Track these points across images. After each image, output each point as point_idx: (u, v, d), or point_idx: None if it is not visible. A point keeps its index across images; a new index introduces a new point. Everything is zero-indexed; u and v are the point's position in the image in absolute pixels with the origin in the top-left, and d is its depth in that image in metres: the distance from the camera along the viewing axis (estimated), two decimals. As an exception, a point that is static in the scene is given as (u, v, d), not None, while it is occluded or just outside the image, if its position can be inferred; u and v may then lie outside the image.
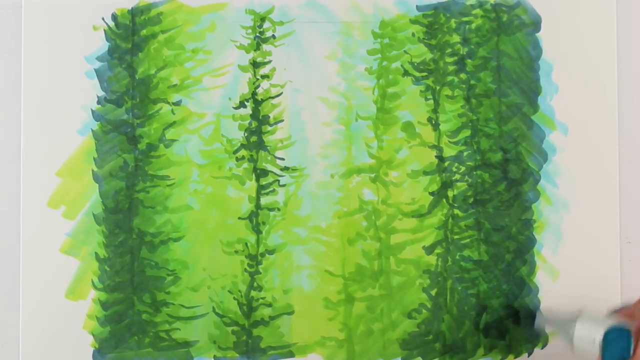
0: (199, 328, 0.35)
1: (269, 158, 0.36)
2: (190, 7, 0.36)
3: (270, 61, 0.36)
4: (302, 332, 0.35)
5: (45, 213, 0.35)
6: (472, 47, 0.36)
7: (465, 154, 0.36)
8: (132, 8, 0.36)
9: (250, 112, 0.36)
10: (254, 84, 0.36)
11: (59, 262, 0.35)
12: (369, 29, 0.36)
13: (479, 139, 0.36)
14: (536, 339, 0.34)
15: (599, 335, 0.23)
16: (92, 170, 0.35)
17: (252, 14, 0.36)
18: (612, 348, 0.22)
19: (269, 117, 0.36)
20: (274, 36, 0.36)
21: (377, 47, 0.36)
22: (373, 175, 0.36)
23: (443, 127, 0.36)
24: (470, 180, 0.36)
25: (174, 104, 0.36)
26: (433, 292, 0.35)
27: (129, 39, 0.36)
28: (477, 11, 0.36)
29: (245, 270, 0.35)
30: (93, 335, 0.35)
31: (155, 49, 0.36)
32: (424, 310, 0.35)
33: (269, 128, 0.36)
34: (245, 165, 0.36)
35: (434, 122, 0.36)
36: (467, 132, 0.36)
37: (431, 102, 0.36)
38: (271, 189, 0.36)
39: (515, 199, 0.35)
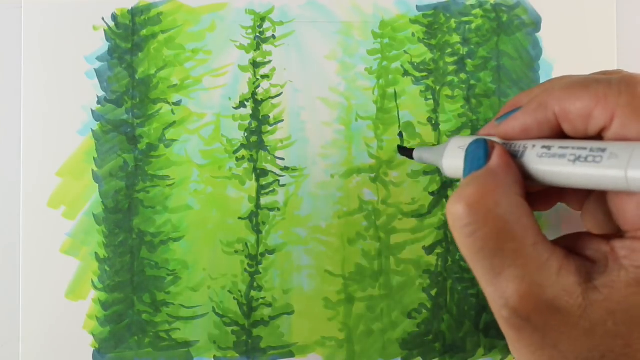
0: (199, 328, 0.35)
1: (269, 158, 0.36)
2: (190, 7, 0.36)
3: (270, 61, 0.36)
4: (302, 332, 0.35)
5: (45, 213, 0.35)
6: (472, 47, 0.36)
7: (465, 154, 0.36)
8: (132, 8, 0.36)
9: (250, 112, 0.36)
10: (254, 84, 0.36)
11: (59, 262, 0.35)
12: (369, 29, 0.36)
13: (479, 139, 0.36)
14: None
15: (459, 153, 0.23)
16: (92, 170, 0.35)
17: (252, 14, 0.36)
18: (470, 160, 0.21)
19: (269, 117, 0.36)
20: (274, 36, 0.36)
21: (377, 47, 0.36)
22: (373, 175, 0.36)
23: (443, 127, 0.36)
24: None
25: (174, 104, 0.36)
26: (433, 292, 0.35)
27: (129, 39, 0.36)
28: (477, 11, 0.36)
29: (245, 270, 0.35)
30: (93, 335, 0.35)
31: (155, 49, 0.36)
32: (424, 310, 0.35)
33: (269, 128, 0.36)
34: (245, 165, 0.36)
35: (434, 122, 0.36)
36: (467, 132, 0.36)
37: (431, 102, 0.36)
38: (271, 189, 0.36)
39: (515, 199, 0.35)
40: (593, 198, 0.23)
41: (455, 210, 0.20)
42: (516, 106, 0.22)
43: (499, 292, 0.19)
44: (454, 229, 0.20)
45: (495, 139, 0.22)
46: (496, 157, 0.21)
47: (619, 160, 0.18)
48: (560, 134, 0.21)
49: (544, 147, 0.20)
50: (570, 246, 0.21)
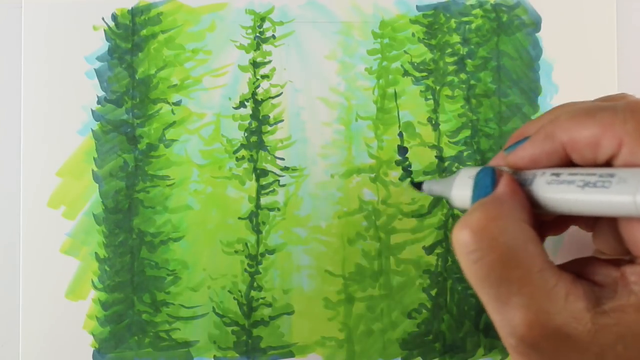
0: (199, 328, 0.35)
1: (269, 158, 0.36)
2: (190, 7, 0.36)
3: (270, 61, 0.36)
4: (302, 332, 0.35)
5: (45, 213, 0.35)
6: (472, 47, 0.36)
7: (465, 154, 0.36)
8: (132, 8, 0.36)
9: (250, 112, 0.36)
10: (254, 84, 0.36)
11: (59, 262, 0.35)
12: (369, 29, 0.36)
13: (479, 139, 0.36)
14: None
15: (468, 183, 0.23)
16: (92, 170, 0.35)
17: (252, 14, 0.36)
18: (477, 188, 0.21)
19: (269, 117, 0.36)
20: (274, 36, 0.36)
21: (377, 47, 0.36)
22: (373, 175, 0.36)
23: (443, 127, 0.36)
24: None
25: (174, 104, 0.36)
26: (433, 292, 0.35)
27: (129, 39, 0.36)
28: (477, 11, 0.36)
29: (245, 270, 0.35)
30: (93, 335, 0.35)
31: (155, 49, 0.36)
32: (424, 310, 0.35)
33: (269, 128, 0.36)
34: (245, 165, 0.36)
35: (434, 122, 0.36)
36: (467, 132, 0.36)
37: (431, 102, 0.36)
38: (271, 189, 0.36)
39: (515, 199, 0.35)
40: (604, 221, 0.23)
41: (461, 236, 0.20)
42: (523, 136, 0.22)
43: (506, 321, 0.19)
44: (460, 255, 0.20)
45: (505, 169, 0.22)
46: (503, 185, 0.21)
47: (627, 185, 0.18)
48: (569, 163, 0.21)
49: (553, 174, 0.20)
50: (578, 271, 0.20)
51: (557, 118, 0.21)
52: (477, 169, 0.23)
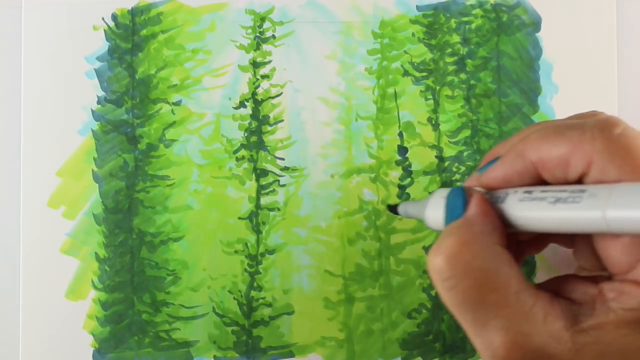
0: (199, 328, 0.35)
1: (269, 158, 0.36)
2: (190, 7, 0.36)
3: (270, 61, 0.36)
4: (302, 332, 0.35)
5: (45, 213, 0.35)
6: (472, 47, 0.36)
7: (465, 154, 0.36)
8: (132, 8, 0.36)
9: (250, 112, 0.36)
10: (254, 84, 0.36)
11: (59, 262, 0.35)
12: (369, 29, 0.36)
13: (479, 139, 0.36)
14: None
15: (441, 204, 0.23)
16: (92, 170, 0.35)
17: (252, 14, 0.36)
18: (449, 209, 0.21)
19: (269, 117, 0.36)
20: (274, 36, 0.36)
21: (377, 47, 0.36)
22: (373, 175, 0.36)
23: (443, 127, 0.36)
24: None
25: (174, 104, 0.36)
26: (433, 292, 0.35)
27: (129, 39, 0.36)
28: (477, 11, 0.36)
29: (245, 270, 0.35)
30: (93, 335, 0.35)
31: (155, 49, 0.36)
32: (424, 310, 0.35)
33: (269, 128, 0.36)
34: (245, 165, 0.36)
35: (434, 122, 0.36)
36: (467, 132, 0.36)
37: (431, 102, 0.36)
38: (271, 189, 0.36)
39: (515, 199, 0.35)
40: (582, 238, 0.23)
41: (435, 263, 0.20)
42: (495, 156, 0.22)
43: (486, 344, 0.19)
44: (435, 282, 0.20)
45: (477, 189, 0.22)
46: (473, 206, 0.21)
47: (598, 200, 0.18)
48: (541, 182, 0.21)
49: (525, 192, 0.20)
50: (556, 289, 0.20)
51: (527, 137, 0.21)
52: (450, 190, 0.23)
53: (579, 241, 0.23)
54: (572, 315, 0.19)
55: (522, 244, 0.24)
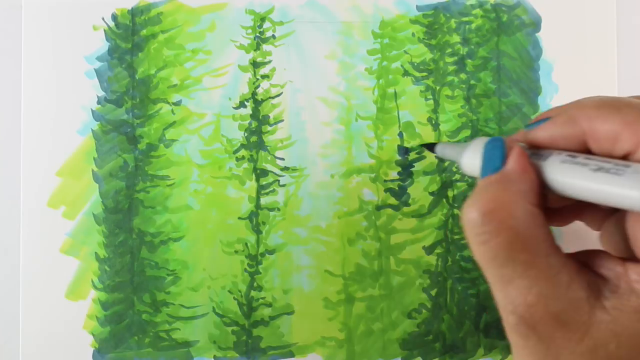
0: (199, 328, 0.35)
1: (269, 158, 0.36)
2: (190, 7, 0.36)
3: (270, 61, 0.36)
4: (302, 332, 0.35)
5: (45, 213, 0.35)
6: (472, 47, 0.36)
7: (465, 154, 0.36)
8: (132, 8, 0.36)
9: (250, 112, 0.36)
10: (254, 84, 0.36)
11: (59, 262, 0.35)
12: (369, 29, 0.36)
13: (479, 139, 0.36)
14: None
15: (479, 151, 0.22)
16: (92, 170, 0.35)
17: (252, 14, 0.36)
18: (487, 159, 0.21)
19: (269, 117, 0.36)
20: (274, 36, 0.36)
21: (377, 47, 0.36)
22: (373, 175, 0.36)
23: (443, 127, 0.36)
24: (470, 180, 0.36)
25: (174, 104, 0.36)
26: (433, 292, 0.35)
27: (129, 39, 0.36)
28: (477, 11, 0.36)
29: (245, 270, 0.35)
30: (93, 335, 0.35)
31: (155, 49, 0.36)
32: (424, 310, 0.35)
33: (269, 128, 0.36)
34: (245, 165, 0.36)
35: (434, 122, 0.36)
36: (467, 132, 0.36)
37: (431, 102, 0.36)
38: (271, 189, 0.36)
39: (515, 199, 0.35)
40: (612, 220, 0.23)
41: (470, 217, 0.20)
42: (546, 117, 0.22)
43: (508, 299, 0.19)
44: (468, 234, 0.20)
45: (521, 144, 0.22)
46: (513, 161, 0.21)
47: None
48: (586, 151, 0.21)
49: (569, 155, 0.20)
50: (585, 261, 0.20)
51: (583, 104, 0.21)
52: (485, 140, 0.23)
53: (609, 222, 0.23)
54: (596, 289, 0.19)
55: (549, 212, 0.24)
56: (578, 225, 0.26)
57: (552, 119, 0.21)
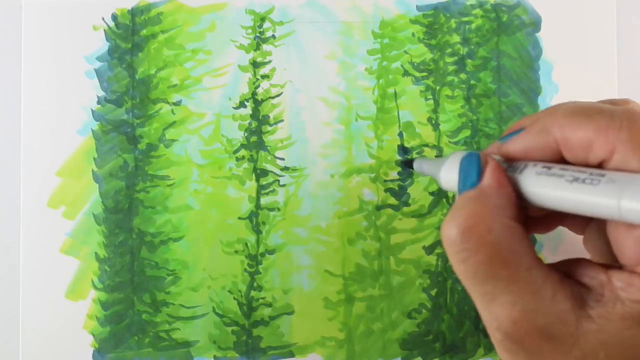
0: (199, 328, 0.35)
1: (269, 158, 0.36)
2: (190, 7, 0.36)
3: (270, 61, 0.36)
4: (302, 332, 0.35)
5: (45, 213, 0.35)
6: (472, 47, 0.36)
7: (465, 154, 0.36)
8: (132, 8, 0.36)
9: (250, 112, 0.36)
10: (254, 84, 0.36)
11: (59, 262, 0.35)
12: (369, 29, 0.36)
13: (479, 139, 0.36)
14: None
15: (456, 167, 0.22)
16: (92, 170, 0.35)
17: (252, 14, 0.36)
18: (463, 175, 0.21)
19: (269, 117, 0.36)
20: (274, 36, 0.36)
21: (377, 47, 0.36)
22: (373, 175, 0.36)
23: (443, 127, 0.36)
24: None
25: (174, 104, 0.36)
26: (433, 292, 0.35)
27: (129, 39, 0.36)
28: (477, 11, 0.36)
29: (245, 270, 0.35)
30: (93, 335, 0.35)
31: (155, 49, 0.36)
32: (424, 310, 0.35)
33: (269, 128, 0.36)
34: (245, 165, 0.36)
35: (434, 122, 0.36)
36: (467, 132, 0.36)
37: (431, 102, 0.36)
38: (271, 189, 0.36)
39: (515, 199, 0.35)
40: (594, 226, 0.23)
41: (449, 234, 0.20)
42: (520, 128, 0.22)
43: (493, 316, 0.19)
44: (449, 252, 0.20)
45: (495, 157, 0.22)
46: (488, 176, 0.21)
47: (615, 186, 0.18)
48: (561, 160, 0.21)
49: (544, 166, 0.20)
50: (567, 271, 0.20)
51: (554, 113, 0.20)
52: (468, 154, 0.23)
53: (591, 227, 0.23)
54: (580, 299, 0.19)
55: (531, 220, 0.24)
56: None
57: (525, 130, 0.21)
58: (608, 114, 0.19)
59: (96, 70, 0.36)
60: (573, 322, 0.18)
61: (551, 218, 0.24)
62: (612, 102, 0.21)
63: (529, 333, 0.19)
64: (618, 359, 0.18)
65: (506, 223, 0.20)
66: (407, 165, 0.30)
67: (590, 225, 0.23)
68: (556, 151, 0.20)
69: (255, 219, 0.35)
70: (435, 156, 0.36)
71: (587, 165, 0.20)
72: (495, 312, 0.19)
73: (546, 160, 0.21)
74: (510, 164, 0.22)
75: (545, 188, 0.20)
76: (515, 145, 0.21)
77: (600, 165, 0.19)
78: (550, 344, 0.18)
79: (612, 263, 0.20)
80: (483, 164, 0.21)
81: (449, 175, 0.23)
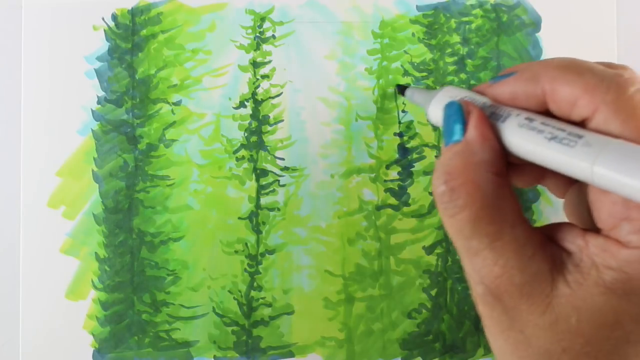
0: (199, 328, 0.35)
1: (269, 158, 0.36)
2: (190, 7, 0.36)
3: (270, 61, 0.36)
4: (302, 332, 0.35)
5: (45, 213, 0.35)
6: (472, 47, 0.36)
7: (465, 154, 0.36)
8: (132, 8, 0.36)
9: (250, 112, 0.36)
10: (254, 84, 0.36)
11: (59, 262, 0.35)
12: (369, 29, 0.36)
13: (479, 139, 0.36)
14: None
15: (440, 109, 0.23)
16: (92, 170, 0.35)
17: (252, 14, 0.36)
18: (447, 124, 0.22)
19: (269, 117, 0.36)
20: (274, 36, 0.36)
21: (377, 47, 0.36)
22: (373, 175, 0.36)
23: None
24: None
25: (174, 104, 0.36)
26: (433, 292, 0.35)
27: (129, 39, 0.36)
28: (477, 11, 0.36)
29: (245, 270, 0.35)
30: (93, 335, 0.35)
31: (155, 49, 0.36)
32: (424, 310, 0.35)
33: (269, 128, 0.36)
34: (245, 165, 0.36)
35: (434, 122, 0.36)
36: (467, 132, 0.36)
37: (431, 102, 0.36)
38: (271, 189, 0.36)
39: (515, 199, 0.35)
40: (575, 189, 0.23)
41: (439, 190, 0.20)
42: (513, 72, 0.22)
43: (476, 270, 0.20)
44: (438, 206, 0.21)
45: (479, 99, 0.22)
46: (472, 128, 0.21)
47: (590, 150, 0.18)
48: (545, 110, 0.21)
49: (527, 118, 0.20)
50: (552, 235, 0.20)
51: (548, 64, 0.20)
52: (460, 92, 0.23)
53: (571, 191, 0.23)
54: (560, 262, 0.19)
55: (513, 168, 0.24)
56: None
57: (515, 75, 0.21)
58: (599, 74, 0.19)
59: (96, 70, 0.36)
60: (549, 283, 0.19)
61: (532, 172, 0.24)
62: (609, 65, 0.21)
63: (508, 289, 0.19)
64: (589, 325, 0.18)
65: (493, 179, 0.20)
66: (400, 90, 0.30)
67: (571, 188, 0.23)
68: (542, 101, 0.20)
69: (255, 219, 0.35)
70: (435, 157, 0.36)
71: (570, 121, 0.20)
72: (478, 266, 0.20)
73: (531, 110, 0.21)
74: (495, 108, 0.22)
75: (524, 141, 0.20)
76: (504, 89, 0.22)
77: (582, 124, 0.19)
78: (527, 302, 0.19)
79: (591, 228, 0.20)
80: (466, 113, 0.21)
81: (435, 112, 0.23)
